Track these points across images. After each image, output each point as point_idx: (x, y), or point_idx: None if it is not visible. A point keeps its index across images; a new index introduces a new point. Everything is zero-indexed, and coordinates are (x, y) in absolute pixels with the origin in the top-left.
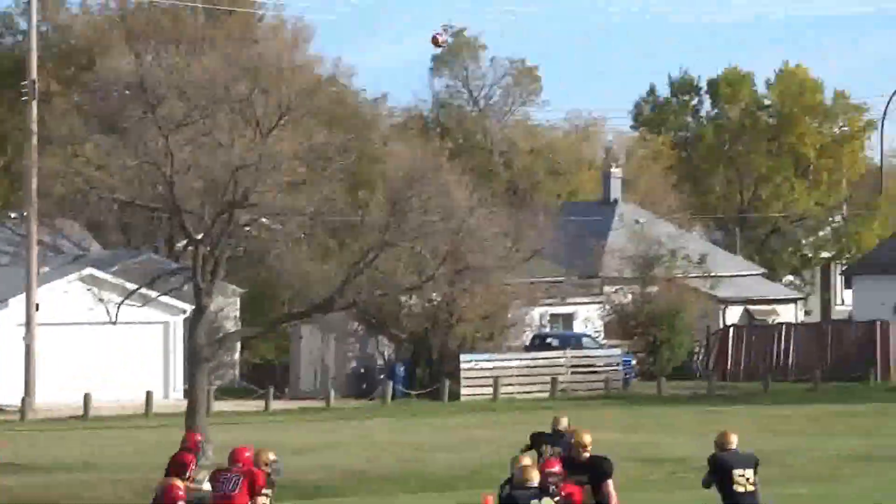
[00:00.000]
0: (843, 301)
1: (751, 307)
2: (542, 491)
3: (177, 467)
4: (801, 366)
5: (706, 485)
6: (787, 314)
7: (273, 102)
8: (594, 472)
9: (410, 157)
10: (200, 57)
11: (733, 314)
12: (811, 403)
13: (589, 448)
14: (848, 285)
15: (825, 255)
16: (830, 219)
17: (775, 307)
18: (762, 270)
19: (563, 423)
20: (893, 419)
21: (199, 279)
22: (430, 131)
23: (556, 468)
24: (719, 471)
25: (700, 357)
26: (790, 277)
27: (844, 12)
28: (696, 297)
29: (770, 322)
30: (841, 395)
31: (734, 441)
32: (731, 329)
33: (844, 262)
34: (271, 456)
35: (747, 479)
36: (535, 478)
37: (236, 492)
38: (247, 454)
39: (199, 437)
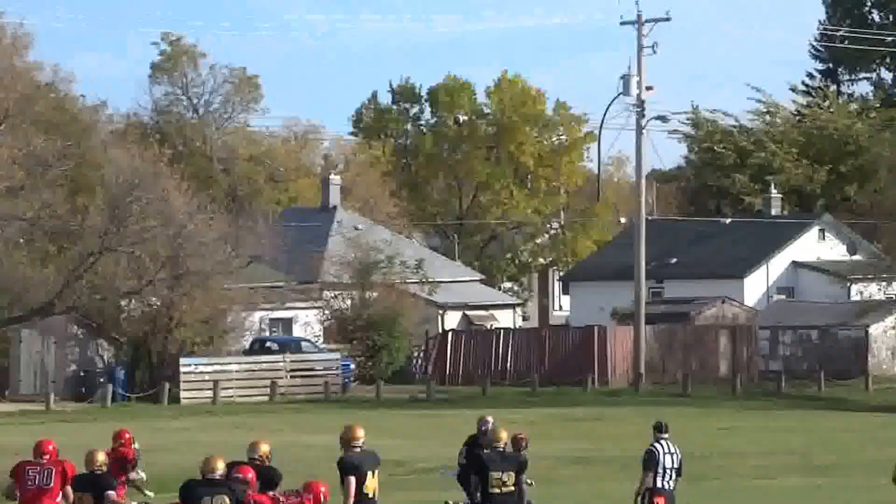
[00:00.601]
0: (560, 307)
1: (469, 312)
2: (233, 492)
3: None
4: (520, 370)
5: (473, 485)
6: (506, 319)
7: None
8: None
9: (130, 163)
10: None
11: (452, 319)
12: (529, 407)
13: (354, 444)
14: (566, 291)
15: (543, 261)
16: (548, 226)
17: (493, 312)
18: (481, 276)
19: (489, 422)
20: (610, 423)
21: None
22: (150, 138)
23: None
24: (479, 470)
25: (419, 361)
26: (508, 283)
27: (567, 25)
28: (415, 302)
29: (488, 327)
30: (559, 400)
31: (503, 439)
32: (450, 333)
33: (562, 268)
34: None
35: (504, 482)
36: (220, 467)
37: (52, 484)
38: (51, 447)
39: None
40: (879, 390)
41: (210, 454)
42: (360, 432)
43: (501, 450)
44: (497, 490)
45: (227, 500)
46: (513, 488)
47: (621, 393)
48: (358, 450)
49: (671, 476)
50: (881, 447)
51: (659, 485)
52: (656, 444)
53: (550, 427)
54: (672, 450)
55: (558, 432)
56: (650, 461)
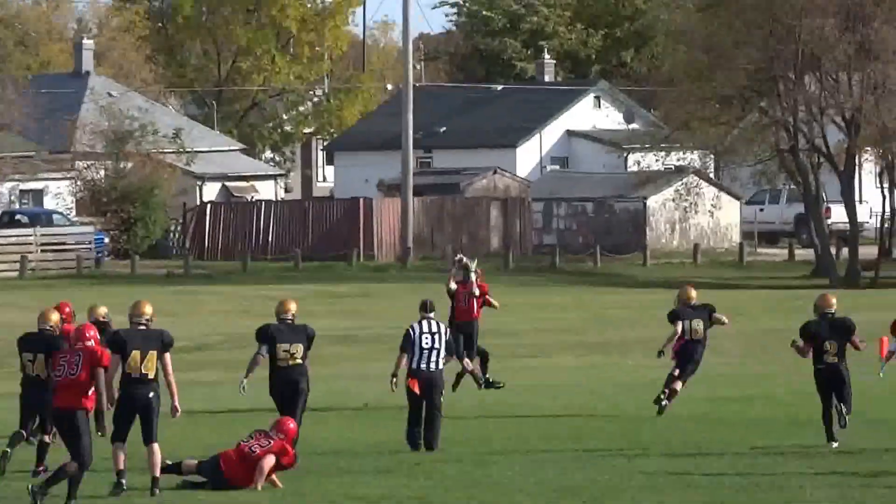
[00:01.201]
0: (325, 178)
1: (229, 184)
2: None
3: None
4: (282, 244)
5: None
6: (267, 191)
7: None
8: None
9: None
10: None
11: (211, 191)
12: (292, 283)
13: (136, 320)
14: (330, 162)
15: (307, 130)
16: (312, 94)
17: (254, 184)
18: (241, 146)
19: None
20: (376, 300)
21: None
22: None
23: None
24: (267, 341)
25: (176, 235)
26: (270, 153)
27: None
28: (172, 172)
29: (249, 199)
30: (323, 275)
31: (291, 310)
32: (209, 206)
33: (326, 138)
34: (103, 310)
35: (291, 354)
36: None
37: None
38: None
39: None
40: (657, 265)
41: None
42: (147, 308)
43: (290, 321)
44: (284, 363)
45: None
46: (300, 361)
47: (388, 268)
48: (142, 327)
49: (431, 357)
50: (659, 324)
51: (415, 366)
52: (415, 324)
53: (314, 304)
54: (435, 329)
55: (322, 309)
56: (405, 341)
